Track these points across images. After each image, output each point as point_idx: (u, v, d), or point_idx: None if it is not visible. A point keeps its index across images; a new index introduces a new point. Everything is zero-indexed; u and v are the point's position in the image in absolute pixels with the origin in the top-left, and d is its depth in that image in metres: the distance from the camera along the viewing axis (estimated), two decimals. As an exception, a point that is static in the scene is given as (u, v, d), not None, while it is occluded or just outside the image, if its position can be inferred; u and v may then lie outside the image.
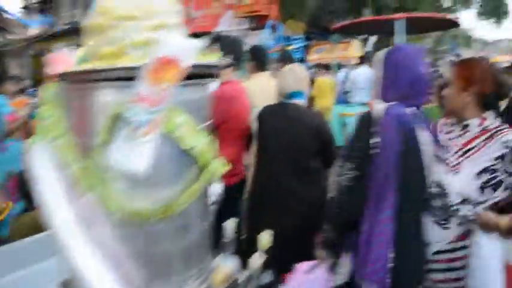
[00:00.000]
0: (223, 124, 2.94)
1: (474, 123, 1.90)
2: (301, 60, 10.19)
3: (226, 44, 3.28)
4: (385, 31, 12.34)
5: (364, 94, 7.94)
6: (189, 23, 13.24)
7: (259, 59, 3.92)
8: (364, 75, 8.18)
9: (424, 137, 1.85)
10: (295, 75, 2.86)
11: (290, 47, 8.99)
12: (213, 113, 2.50)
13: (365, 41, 19.47)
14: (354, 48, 12.78)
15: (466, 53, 36.27)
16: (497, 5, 33.11)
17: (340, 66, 11.68)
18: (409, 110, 1.84)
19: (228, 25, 11.07)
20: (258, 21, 8.97)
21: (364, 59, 8.73)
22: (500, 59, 34.56)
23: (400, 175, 1.75)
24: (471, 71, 1.89)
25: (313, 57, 13.30)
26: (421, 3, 20.55)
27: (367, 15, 19.98)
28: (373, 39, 19.25)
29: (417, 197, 1.82)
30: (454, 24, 10.04)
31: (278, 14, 8.32)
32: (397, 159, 1.74)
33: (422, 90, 1.87)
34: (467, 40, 41.69)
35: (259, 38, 9.08)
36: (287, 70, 2.92)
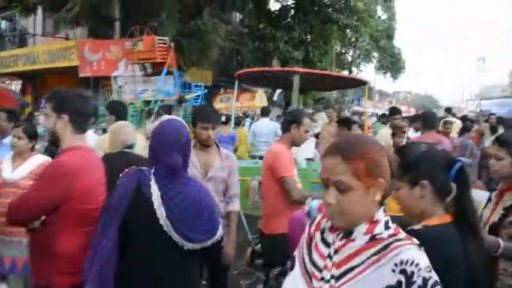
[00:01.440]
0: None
1: (360, 230, 1.33)
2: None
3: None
4: (283, 86, 12.55)
5: (266, 147, 7.62)
6: (85, 67, 12.37)
7: (117, 114, 4.21)
8: (266, 128, 7.91)
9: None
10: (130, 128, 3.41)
11: (189, 95, 8.54)
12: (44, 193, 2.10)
13: (272, 91, 19.95)
14: (259, 98, 12.72)
15: (368, 104, 38.79)
16: (394, 61, 36.36)
17: (247, 116, 11.49)
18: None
19: (126, 70, 10.45)
20: (156, 68, 8.47)
21: (265, 111, 8.51)
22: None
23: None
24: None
25: (219, 106, 13.04)
26: (325, 56, 21.57)
27: (275, 66, 20.58)
28: (279, 89, 19.72)
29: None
30: (363, 83, 10.72)
31: (176, 62, 7.90)
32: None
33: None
34: (369, 92, 45.07)
35: (157, 85, 8.53)
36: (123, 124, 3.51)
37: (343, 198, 1.29)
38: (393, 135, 5.45)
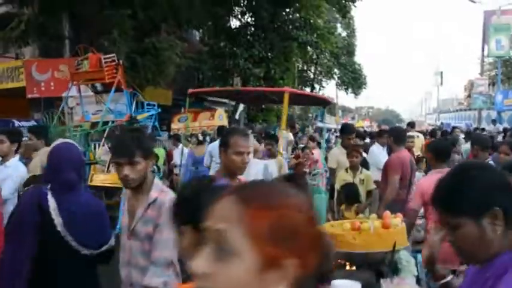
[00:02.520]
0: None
1: None
2: (156, 129, 9.32)
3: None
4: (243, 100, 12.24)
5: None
6: (32, 87, 11.71)
7: (43, 137, 4.14)
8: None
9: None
10: None
11: (141, 116, 8.11)
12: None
13: (234, 109, 19.69)
14: (219, 116, 12.40)
15: (330, 120, 39.27)
16: (355, 77, 37.05)
17: (205, 135, 11.13)
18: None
19: (76, 90, 9.90)
20: (106, 87, 8.03)
21: (222, 131, 8.16)
22: (361, 124, 37.99)
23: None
24: None
25: (177, 125, 12.61)
26: (287, 73, 21.58)
27: (236, 84, 20.38)
28: (241, 107, 19.49)
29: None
30: (328, 102, 10.17)
31: (127, 81, 7.50)
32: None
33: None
34: (332, 107, 45.64)
35: (106, 106, 8.06)
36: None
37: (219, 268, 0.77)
38: (347, 155, 5.21)
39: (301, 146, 8.88)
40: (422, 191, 3.87)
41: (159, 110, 8.93)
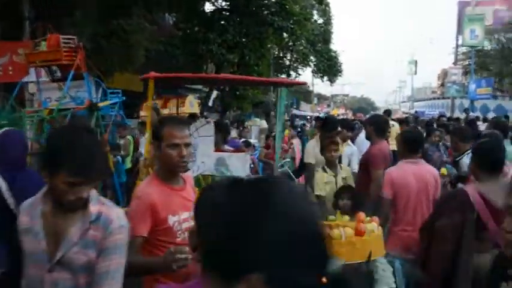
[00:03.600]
0: None
1: None
2: (122, 117, 8.81)
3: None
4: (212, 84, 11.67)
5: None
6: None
7: None
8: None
9: None
10: None
11: (103, 103, 7.58)
12: None
13: (207, 96, 19.19)
14: (189, 103, 11.90)
15: (306, 107, 39.11)
16: (331, 64, 36.85)
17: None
18: None
19: (36, 75, 9.27)
20: (64, 72, 7.46)
21: (192, 119, 7.74)
22: (337, 112, 38.03)
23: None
24: None
25: (146, 113, 12.03)
26: (262, 59, 21.13)
27: (210, 71, 19.83)
28: (214, 94, 19.02)
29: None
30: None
31: (85, 65, 6.96)
32: None
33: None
34: (307, 95, 45.56)
35: (64, 92, 7.52)
36: None
37: None
38: (324, 149, 4.48)
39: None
40: (392, 181, 3.64)
41: (123, 98, 8.38)
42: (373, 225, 2.27)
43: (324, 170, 4.33)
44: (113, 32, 11.26)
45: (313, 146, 5.33)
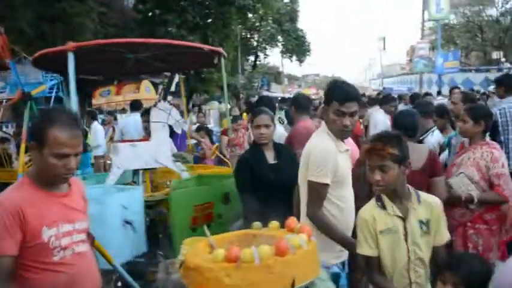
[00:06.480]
0: None
1: None
2: (60, 101, 8.07)
3: None
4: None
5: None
6: None
7: None
8: (135, 123, 6.52)
9: None
10: None
11: (36, 90, 6.88)
12: None
13: (169, 81, 18.34)
14: (145, 89, 11.16)
15: (276, 88, 38.55)
16: (299, 43, 36.29)
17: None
18: None
19: (-32, 66, 8.44)
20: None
21: (136, 105, 7.09)
22: (308, 92, 37.72)
23: None
24: None
25: (99, 101, 11.29)
26: (226, 40, 20.37)
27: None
28: (176, 78, 18.16)
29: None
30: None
31: (9, 51, 6.23)
32: None
33: None
34: (277, 76, 44.97)
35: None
36: None
37: None
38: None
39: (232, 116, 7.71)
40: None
41: (62, 78, 7.64)
42: (301, 238, 1.74)
43: None
44: (56, 16, 10.37)
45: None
